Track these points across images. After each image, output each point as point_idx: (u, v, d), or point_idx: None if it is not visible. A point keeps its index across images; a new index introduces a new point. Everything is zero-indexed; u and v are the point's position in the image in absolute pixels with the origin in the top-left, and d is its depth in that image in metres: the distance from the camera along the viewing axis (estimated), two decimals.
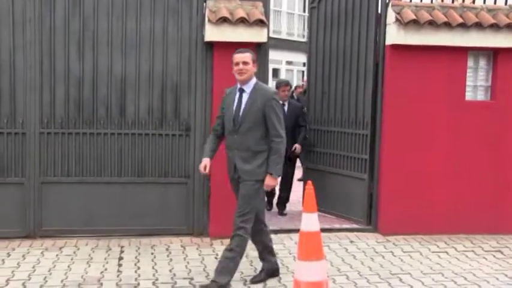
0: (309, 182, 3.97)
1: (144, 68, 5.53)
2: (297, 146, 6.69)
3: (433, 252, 5.46)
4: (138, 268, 4.75)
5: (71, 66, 5.44)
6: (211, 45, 5.53)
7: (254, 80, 4.30)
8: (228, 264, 4.14)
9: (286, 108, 6.67)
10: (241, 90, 4.27)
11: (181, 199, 5.61)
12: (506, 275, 4.87)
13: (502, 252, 5.52)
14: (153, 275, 4.61)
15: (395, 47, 5.77)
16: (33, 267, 4.72)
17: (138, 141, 5.57)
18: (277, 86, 6.81)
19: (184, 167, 5.63)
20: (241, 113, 4.21)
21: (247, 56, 4.22)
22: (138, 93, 5.54)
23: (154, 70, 5.54)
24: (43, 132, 5.44)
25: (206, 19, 5.42)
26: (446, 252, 5.48)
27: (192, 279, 4.53)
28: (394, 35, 5.71)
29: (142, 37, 5.50)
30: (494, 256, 5.41)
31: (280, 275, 4.66)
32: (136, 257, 5.02)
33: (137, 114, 5.55)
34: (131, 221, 5.54)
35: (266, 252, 4.53)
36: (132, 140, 5.56)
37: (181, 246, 5.37)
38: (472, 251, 5.54)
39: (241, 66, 4.20)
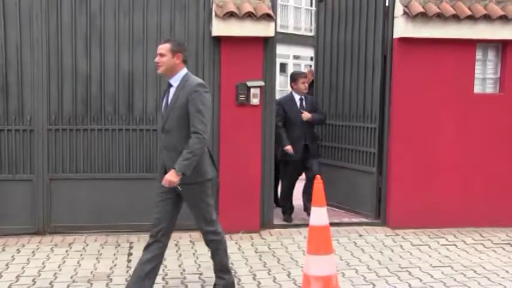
0: (318, 176, 3.95)
1: (152, 64, 5.46)
2: (307, 113, 6.08)
3: (442, 245, 5.45)
4: None
5: (78, 63, 5.44)
6: (218, 40, 5.51)
7: (182, 73, 3.82)
8: (217, 267, 3.99)
9: (304, 102, 6.21)
10: (169, 85, 3.86)
11: None
12: None
13: (511, 245, 5.50)
14: (163, 270, 4.61)
15: (403, 40, 5.73)
16: (43, 263, 4.75)
17: (146, 137, 5.57)
18: (294, 79, 6.21)
19: None
20: (167, 110, 3.82)
21: (163, 47, 3.79)
22: (146, 89, 5.54)
23: None
24: (51, 129, 5.46)
25: (213, 14, 5.41)
26: (455, 245, 5.47)
27: (201, 274, 4.54)
28: (402, 28, 5.67)
29: (150, 33, 5.50)
30: (503, 249, 5.39)
31: (290, 269, 4.66)
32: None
33: (145, 110, 5.56)
34: (140, 216, 5.55)
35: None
36: (140, 135, 5.56)
37: (190, 241, 5.39)
38: (481, 244, 5.52)
39: (157, 58, 3.82)
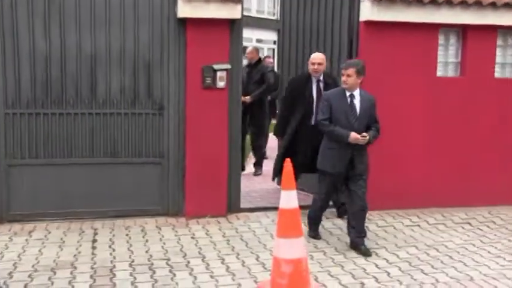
0: (287, 159, 3.93)
1: (115, 45, 5.36)
2: (364, 134, 4.71)
3: (406, 226, 5.56)
4: (113, 250, 4.66)
5: (36, 44, 5.21)
6: (184, 22, 5.39)
7: None
8: None
9: (358, 101, 4.77)
10: None
11: (155, 179, 5.53)
12: (474, 245, 5.07)
13: (470, 224, 5.70)
14: (129, 256, 4.53)
15: (369, 24, 5.75)
16: (1, 252, 4.56)
17: (110, 121, 5.42)
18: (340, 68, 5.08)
19: (158, 146, 5.53)
20: None
21: None
22: (109, 71, 5.37)
23: (125, 48, 5.37)
24: (8, 113, 5.23)
25: None
26: (419, 225, 5.60)
27: (169, 259, 4.48)
28: (368, 12, 5.68)
29: (112, 14, 5.31)
30: (463, 228, 5.57)
31: (258, 253, 4.66)
32: (110, 239, 4.92)
33: (108, 93, 5.39)
34: (104, 202, 5.42)
35: None
36: (104, 119, 5.41)
37: (157, 226, 5.30)
38: (443, 223, 5.68)
39: None
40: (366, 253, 4.69)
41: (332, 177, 4.86)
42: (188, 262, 4.43)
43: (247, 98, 6.91)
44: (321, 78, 5.61)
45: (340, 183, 4.98)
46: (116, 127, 5.43)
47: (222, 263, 4.44)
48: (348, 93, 4.79)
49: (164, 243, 4.85)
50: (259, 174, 7.70)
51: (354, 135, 4.64)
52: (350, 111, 4.75)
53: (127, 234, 5.06)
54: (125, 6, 5.33)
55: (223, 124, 5.57)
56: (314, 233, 5.13)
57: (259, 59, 7.77)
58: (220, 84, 5.48)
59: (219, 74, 5.45)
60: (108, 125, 5.42)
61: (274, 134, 6.36)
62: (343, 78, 4.76)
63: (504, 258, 4.72)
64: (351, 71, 4.72)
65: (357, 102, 4.77)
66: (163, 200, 5.57)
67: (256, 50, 7.88)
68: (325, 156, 4.87)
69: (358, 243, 4.76)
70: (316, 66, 5.55)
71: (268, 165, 7.83)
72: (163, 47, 5.44)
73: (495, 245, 5.06)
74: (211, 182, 5.54)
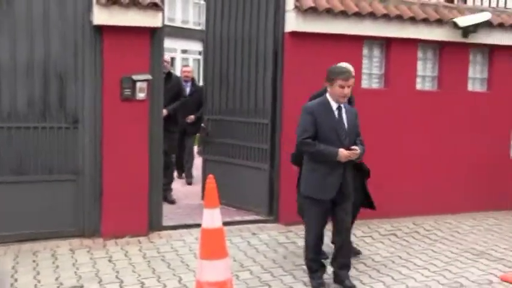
0: (210, 176, 3.73)
1: (22, 54, 4.92)
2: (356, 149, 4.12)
3: None
4: (15, 280, 4.19)
5: None
6: (100, 30, 5.06)
7: None
8: None
9: (344, 114, 4.18)
10: None
11: (69, 198, 5.12)
12: (400, 257, 5.05)
13: (396, 235, 5.71)
14: (35, 286, 4.10)
15: (295, 34, 5.69)
16: None
17: (16, 135, 4.96)
18: (331, 78, 4.17)
19: (73, 162, 5.13)
20: None
21: None
22: (15, 82, 4.92)
23: (34, 56, 4.96)
24: None
25: (94, 0, 4.94)
26: None
27: (82, 286, 4.11)
28: (293, 22, 5.63)
29: (18, 20, 4.88)
30: (389, 239, 5.57)
31: (181, 275, 4.39)
32: (13, 267, 4.43)
33: (14, 106, 4.94)
34: (9, 225, 4.91)
35: None
36: (9, 134, 4.94)
37: (70, 250, 4.89)
38: (370, 236, 5.66)
39: None
40: None
41: (322, 204, 4.14)
42: None
43: (164, 111, 6.32)
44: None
45: (328, 214, 4.22)
46: (24, 142, 4.97)
47: (142, 287, 4.13)
48: (335, 106, 4.12)
49: (77, 269, 4.46)
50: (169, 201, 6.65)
51: (343, 153, 4.00)
52: (339, 127, 4.09)
53: (34, 261, 4.59)
54: (32, 12, 4.91)
55: (144, 138, 5.26)
56: (317, 282, 4.20)
57: (169, 71, 7.31)
58: (140, 95, 5.19)
59: (138, 85, 5.16)
60: (13, 141, 4.95)
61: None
62: (345, 91, 4.05)
63: (429, 270, 4.73)
64: (353, 81, 4.15)
65: (344, 115, 4.14)
66: (78, 220, 5.16)
67: (167, 61, 7.32)
68: (311, 180, 4.15)
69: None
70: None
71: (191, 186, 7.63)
72: (77, 56, 5.07)
73: (420, 256, 5.08)
74: (131, 199, 5.22)
